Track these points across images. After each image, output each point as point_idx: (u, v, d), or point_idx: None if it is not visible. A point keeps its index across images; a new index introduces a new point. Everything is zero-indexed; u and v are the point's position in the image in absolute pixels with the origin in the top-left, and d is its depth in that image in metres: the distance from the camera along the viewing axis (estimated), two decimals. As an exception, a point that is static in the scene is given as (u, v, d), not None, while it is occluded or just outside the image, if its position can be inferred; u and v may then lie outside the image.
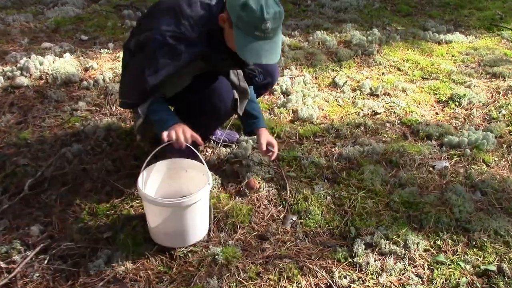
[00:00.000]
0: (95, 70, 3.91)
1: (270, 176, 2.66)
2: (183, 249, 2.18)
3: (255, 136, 2.68)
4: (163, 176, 2.33)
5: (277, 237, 2.27)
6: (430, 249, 2.19)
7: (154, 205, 2.06)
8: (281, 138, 3.06)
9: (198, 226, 2.19)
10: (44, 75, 3.78)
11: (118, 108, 3.38)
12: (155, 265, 2.11)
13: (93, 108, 3.40)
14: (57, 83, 3.68)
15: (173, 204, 2.03)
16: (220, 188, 2.55)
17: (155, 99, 2.24)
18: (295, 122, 3.27)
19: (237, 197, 2.49)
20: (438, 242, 2.21)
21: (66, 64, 3.89)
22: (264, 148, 2.55)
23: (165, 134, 2.11)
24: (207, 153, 2.87)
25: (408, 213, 2.38)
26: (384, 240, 2.19)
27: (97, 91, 3.61)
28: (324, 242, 2.25)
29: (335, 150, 2.93)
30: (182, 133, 2.14)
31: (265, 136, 2.59)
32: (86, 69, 3.91)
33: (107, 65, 4.00)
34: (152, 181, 2.29)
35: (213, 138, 2.95)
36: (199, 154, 2.15)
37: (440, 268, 2.07)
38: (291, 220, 2.37)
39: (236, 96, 2.45)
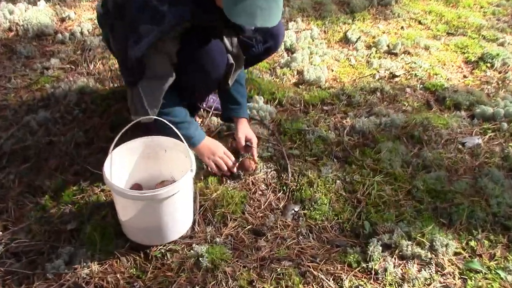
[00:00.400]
0: (72, 21, 3.42)
1: (269, 154, 2.23)
2: (160, 247, 1.80)
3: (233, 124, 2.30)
4: (138, 156, 1.91)
5: (275, 232, 1.88)
6: (462, 252, 1.80)
7: (123, 198, 1.65)
8: (283, 105, 2.61)
9: (179, 220, 1.80)
10: (14, 26, 3.31)
11: (97, 66, 2.93)
12: (127, 267, 1.74)
13: (68, 66, 2.94)
14: (29, 36, 3.23)
15: (146, 197, 1.63)
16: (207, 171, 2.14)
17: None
18: (300, 86, 2.81)
19: (228, 181, 2.09)
20: (472, 243, 1.82)
21: (39, 13, 3.39)
22: (243, 144, 2.16)
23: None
24: (195, 124, 2.43)
25: (434, 205, 1.97)
26: (405, 240, 1.80)
27: (73, 46, 3.15)
28: (332, 240, 1.86)
29: (346, 121, 2.49)
30: (220, 159, 2.07)
31: (244, 129, 2.20)
32: (62, 20, 3.43)
33: (86, 15, 3.51)
34: (125, 163, 1.88)
35: (204, 106, 2.51)
36: (184, 142, 1.73)
37: (474, 278, 1.69)
38: (293, 211, 1.97)
39: (232, 60, 1.99)
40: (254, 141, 2.17)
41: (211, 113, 2.47)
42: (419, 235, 1.82)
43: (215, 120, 2.44)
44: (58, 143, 2.29)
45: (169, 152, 1.91)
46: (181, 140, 1.74)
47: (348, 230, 1.90)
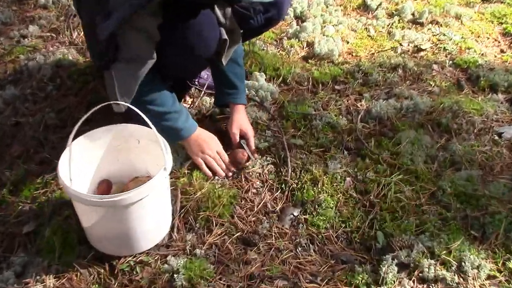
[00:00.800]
0: (57, -18, 3.05)
1: (267, 143, 1.89)
2: (130, 258, 1.50)
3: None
4: (106, 148, 1.59)
5: (268, 241, 1.57)
6: (498, 275, 1.46)
7: (79, 202, 1.35)
8: (288, 84, 2.25)
9: (151, 227, 1.49)
10: (-8, -12, 2.97)
11: (81, 34, 2.59)
12: (88, 282, 1.45)
13: (48, 34, 2.61)
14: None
15: (107, 203, 1.31)
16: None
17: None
18: (310, 61, 2.44)
19: (216, 177, 1.76)
20: (510, 264, 1.47)
21: (21, -27, 3.03)
22: (237, 140, 1.84)
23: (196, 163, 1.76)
24: (185, 105, 2.10)
25: (464, 212, 1.62)
26: (427, 258, 1.46)
27: (56, 11, 2.81)
28: (337, 254, 1.53)
29: (361, 104, 2.12)
30: (212, 160, 1.76)
31: (240, 120, 1.86)
32: (46, -19, 3.06)
33: (73, -24, 3.14)
34: (90, 156, 1.56)
35: (196, 84, 2.17)
36: (155, 130, 1.40)
37: (513, 311, 1.36)
38: (292, 216, 1.65)
39: (225, 36, 1.63)
40: (251, 134, 1.84)
41: (203, 92, 2.13)
42: (444, 252, 1.48)
43: (208, 101, 2.09)
44: (25, 125, 1.98)
45: (143, 143, 1.59)
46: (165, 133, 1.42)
47: (358, 241, 1.57)
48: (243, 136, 1.85)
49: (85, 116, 1.40)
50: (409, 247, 1.50)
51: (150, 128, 1.39)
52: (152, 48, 1.51)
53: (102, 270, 1.48)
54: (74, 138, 1.42)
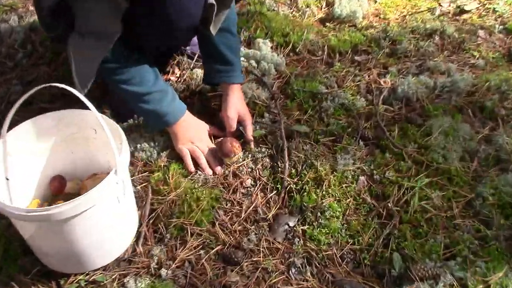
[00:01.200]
0: None
1: (264, 130, 1.55)
2: (81, 277, 1.22)
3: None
4: (56, 138, 1.28)
5: (255, 259, 1.25)
6: (552, 323, 1.10)
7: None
8: (298, 53, 1.88)
9: (106, 241, 1.19)
10: None
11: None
12: (30, 305, 1.18)
13: (29, -9, 2.28)
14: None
15: (37, 218, 1.01)
16: (173, 152, 1.49)
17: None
18: (327, 24, 2.05)
19: (198, 172, 1.43)
20: None
21: None
22: (234, 127, 1.50)
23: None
24: (172, 78, 1.76)
25: (509, 231, 1.25)
26: (457, 294, 1.12)
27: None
28: (341, 280, 1.20)
29: (385, 81, 1.73)
30: (199, 152, 1.46)
31: (236, 103, 1.52)
32: None
33: None
34: (37, 148, 1.26)
35: (187, 51, 1.82)
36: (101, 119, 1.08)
37: None
38: (286, 226, 1.31)
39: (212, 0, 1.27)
40: (248, 120, 1.51)
41: (193, 63, 1.78)
42: (481, 286, 1.13)
43: (199, 74, 1.74)
44: (-14, 101, 1.70)
45: (101, 132, 1.27)
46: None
47: (368, 264, 1.23)
48: (239, 122, 1.51)
49: (23, 98, 1.11)
50: (433, 278, 1.15)
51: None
52: (117, 19, 1.19)
53: (48, 290, 1.21)
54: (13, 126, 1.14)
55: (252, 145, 1.49)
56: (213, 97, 1.68)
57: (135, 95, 1.36)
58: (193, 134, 1.46)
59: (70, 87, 1.06)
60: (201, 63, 1.76)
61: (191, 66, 1.78)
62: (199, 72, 1.75)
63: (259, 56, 1.79)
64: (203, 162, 1.43)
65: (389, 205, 1.33)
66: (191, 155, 1.44)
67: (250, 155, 1.47)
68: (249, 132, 1.50)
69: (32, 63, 1.86)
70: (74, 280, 1.21)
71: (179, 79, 1.75)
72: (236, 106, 1.50)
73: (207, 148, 1.46)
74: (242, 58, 1.74)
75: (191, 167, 1.43)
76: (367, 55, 1.87)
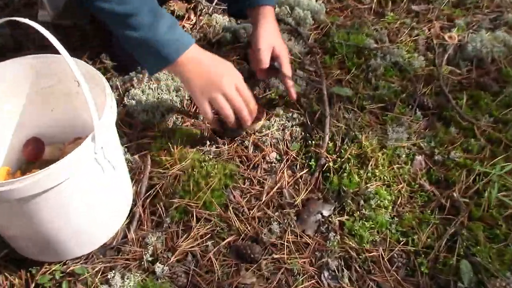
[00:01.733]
0: None
1: (296, 91, 1.23)
2: (56, 266, 0.97)
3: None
4: (30, 91, 1.01)
5: (276, 257, 0.97)
6: None
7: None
8: None
9: (84, 228, 0.93)
10: None
11: None
12: (-7, 297, 0.95)
13: None
14: None
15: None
16: (185, 108, 1.20)
17: None
18: (378, -34, 1.68)
19: (211, 142, 1.14)
20: None
21: None
22: (267, 63, 1.15)
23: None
24: (185, 25, 1.46)
25: None
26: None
27: None
28: (388, 293, 0.92)
29: (450, 36, 1.39)
30: (229, 100, 1.04)
31: (270, 33, 1.17)
32: None
33: None
34: (2, 105, 1.00)
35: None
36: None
37: None
38: (319, 216, 1.02)
39: None
40: (285, 56, 1.17)
41: (212, 6, 1.47)
42: None
43: (220, 20, 1.43)
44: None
45: (84, 86, 0.99)
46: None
47: (425, 273, 0.94)
48: (274, 59, 1.18)
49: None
50: (516, 301, 0.85)
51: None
52: None
53: (16, 280, 0.96)
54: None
55: (293, 93, 1.16)
56: (234, 49, 1.37)
57: (117, 18, 0.98)
58: (214, 75, 1.03)
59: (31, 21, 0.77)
60: (221, 8, 1.45)
61: (209, 11, 1.47)
62: (219, 18, 1.44)
63: (293, 1, 1.46)
64: (228, 114, 1.05)
65: (455, 195, 1.02)
66: (217, 106, 1.05)
67: (275, 124, 1.17)
68: (287, 69, 1.17)
69: (10, 11, 1.58)
70: (47, 271, 0.96)
71: (195, 26, 1.44)
72: (270, 36, 1.17)
73: (242, 89, 1.05)
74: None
75: (213, 123, 1.10)
76: (428, 4, 1.52)
